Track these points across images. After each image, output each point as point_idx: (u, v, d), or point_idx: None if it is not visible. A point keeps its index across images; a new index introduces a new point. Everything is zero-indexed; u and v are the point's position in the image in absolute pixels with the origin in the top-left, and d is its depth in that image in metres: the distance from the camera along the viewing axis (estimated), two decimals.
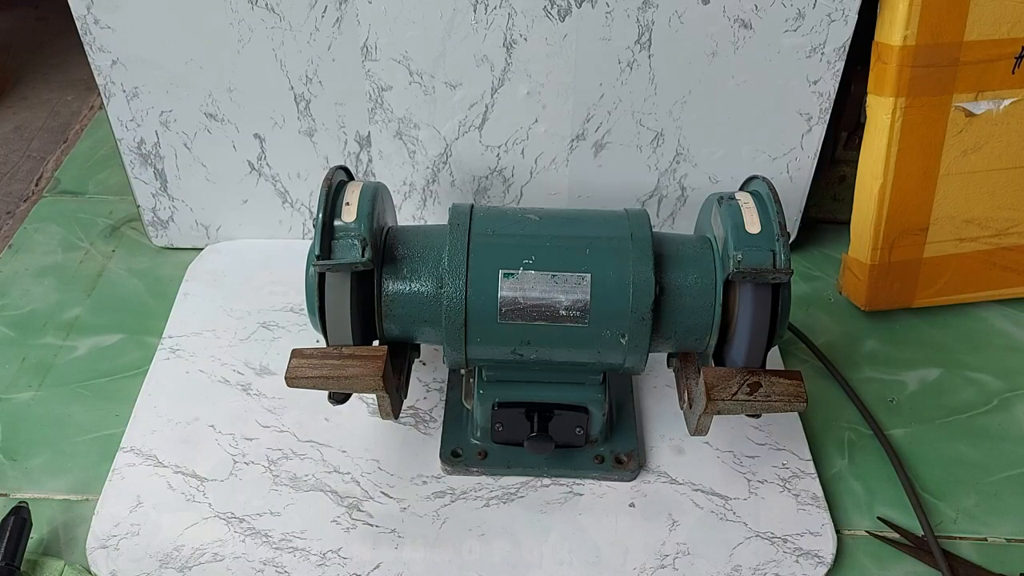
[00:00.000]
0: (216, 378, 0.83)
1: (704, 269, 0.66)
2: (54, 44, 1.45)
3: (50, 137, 1.23)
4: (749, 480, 0.75)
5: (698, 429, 0.67)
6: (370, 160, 0.92)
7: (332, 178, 0.66)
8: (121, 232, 1.02)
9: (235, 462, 0.75)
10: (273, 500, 0.72)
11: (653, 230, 0.67)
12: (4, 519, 0.66)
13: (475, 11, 0.80)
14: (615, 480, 0.75)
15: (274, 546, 0.69)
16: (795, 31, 0.80)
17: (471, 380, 0.74)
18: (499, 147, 0.90)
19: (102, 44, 0.83)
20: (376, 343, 0.69)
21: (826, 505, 0.73)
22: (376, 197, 0.66)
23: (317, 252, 0.62)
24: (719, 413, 0.65)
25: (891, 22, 0.78)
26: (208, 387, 0.82)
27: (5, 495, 0.74)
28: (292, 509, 0.72)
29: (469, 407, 0.75)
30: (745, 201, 0.67)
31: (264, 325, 0.88)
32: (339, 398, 0.68)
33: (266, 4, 0.80)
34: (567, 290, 0.64)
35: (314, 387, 0.64)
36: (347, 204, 0.65)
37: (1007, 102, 0.82)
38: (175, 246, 1.00)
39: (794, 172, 0.91)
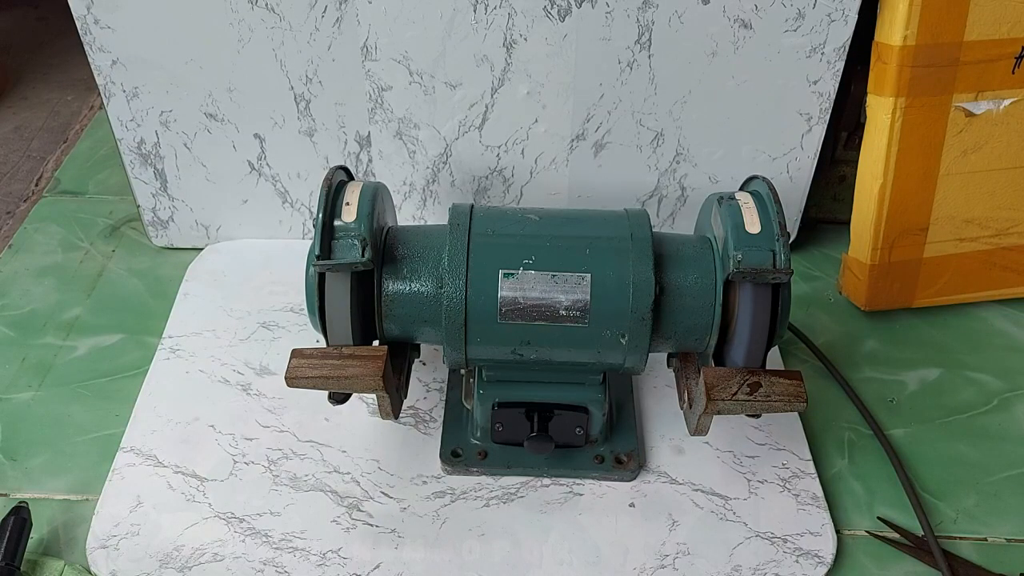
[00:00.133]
0: (216, 378, 0.83)
1: (704, 269, 0.66)
2: (54, 44, 1.45)
3: (50, 137, 1.23)
4: (749, 480, 0.75)
5: (698, 429, 0.67)
6: (370, 160, 0.92)
7: (332, 178, 0.66)
8: (121, 232, 1.02)
9: (235, 462, 0.75)
10: (273, 500, 0.72)
11: (653, 230, 0.67)
12: (4, 519, 0.66)
13: (475, 11, 0.80)
14: (615, 480, 0.75)
15: (274, 546, 0.69)
16: (795, 31, 0.80)
17: (471, 380, 0.74)
18: (499, 147, 0.90)
19: (102, 44, 0.83)
20: (376, 343, 0.69)
21: (826, 505, 0.73)
22: (376, 197, 0.66)
23: (317, 252, 0.62)
24: (719, 413, 0.65)
25: (891, 22, 0.78)
26: (208, 387, 0.82)
27: (5, 495, 0.74)
28: (292, 509, 0.72)
29: (469, 407, 0.75)
30: (745, 201, 0.67)
31: (264, 325, 0.88)
32: (339, 398, 0.68)
33: (266, 4, 0.80)
34: (567, 290, 0.64)
35: (314, 387, 0.64)
36: (347, 204, 0.65)
37: (1007, 102, 0.82)
38: (175, 246, 1.00)
39: (794, 172, 0.91)
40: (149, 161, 0.92)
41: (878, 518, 0.74)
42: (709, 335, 0.67)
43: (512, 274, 0.64)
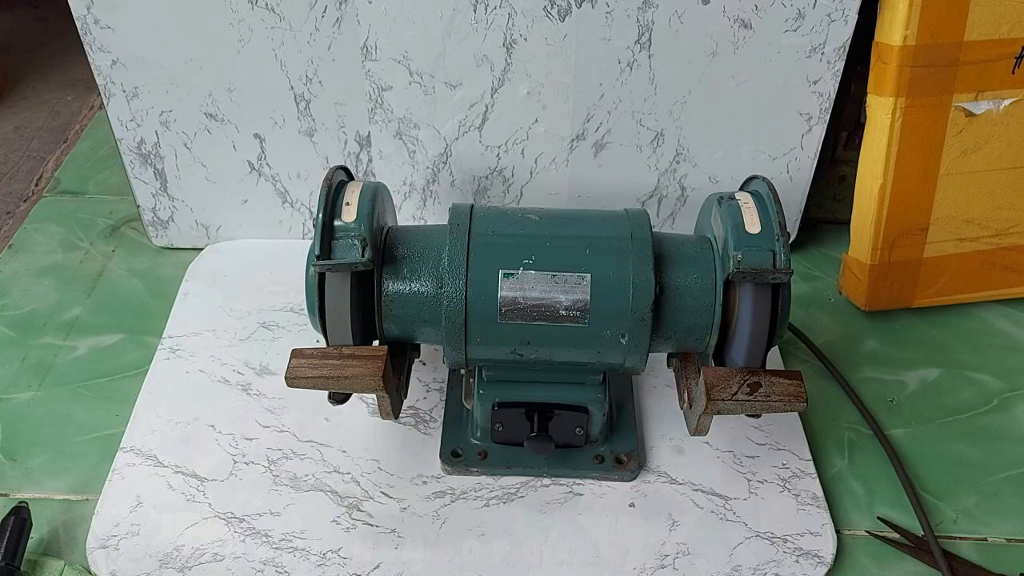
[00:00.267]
0: (216, 378, 0.83)
1: (704, 269, 0.66)
2: (54, 44, 1.45)
3: (50, 137, 1.23)
4: (749, 480, 0.75)
5: (698, 429, 0.67)
6: (370, 160, 0.92)
7: (332, 178, 0.66)
8: (121, 232, 1.02)
9: (235, 462, 0.75)
10: (273, 500, 0.72)
11: (653, 230, 0.67)
12: (4, 519, 0.66)
13: (475, 11, 0.80)
14: (615, 480, 0.75)
15: (274, 546, 0.69)
16: (795, 31, 0.80)
17: (471, 380, 0.74)
18: (499, 147, 0.90)
19: (102, 44, 0.83)
20: (376, 343, 0.69)
21: (826, 505, 0.73)
22: (376, 197, 0.66)
23: (317, 252, 0.62)
24: (719, 413, 0.65)
25: (891, 22, 0.78)
26: (208, 387, 0.82)
27: (5, 495, 0.74)
28: (292, 509, 0.72)
29: (469, 407, 0.75)
30: (745, 201, 0.67)
31: (264, 325, 0.88)
32: (339, 398, 0.68)
33: (266, 4, 0.80)
34: (567, 290, 0.64)
35: (314, 387, 0.64)
36: (347, 204, 0.65)
37: (1007, 102, 0.82)
38: (175, 246, 1.00)
39: (794, 172, 0.91)
40: (149, 161, 0.92)
41: (878, 518, 0.74)
42: (709, 335, 0.67)
43: (512, 274, 0.64)
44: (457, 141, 0.89)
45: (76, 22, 0.82)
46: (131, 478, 0.74)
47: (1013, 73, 0.81)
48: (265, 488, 0.73)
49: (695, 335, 0.67)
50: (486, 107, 0.87)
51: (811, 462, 0.77)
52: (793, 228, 0.98)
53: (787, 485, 0.75)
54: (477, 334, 0.65)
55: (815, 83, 0.84)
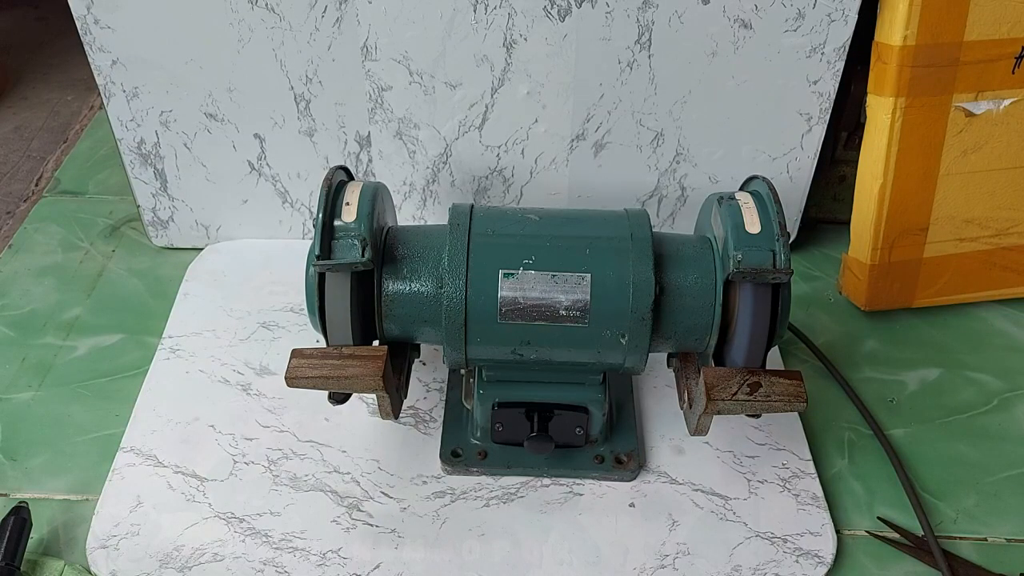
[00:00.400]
0: (216, 378, 0.83)
1: (704, 269, 0.66)
2: (54, 44, 1.45)
3: (50, 137, 1.23)
4: (749, 480, 0.75)
5: (698, 429, 0.67)
6: (370, 160, 0.92)
7: (332, 178, 0.66)
8: (121, 232, 1.02)
9: (235, 462, 0.75)
10: (273, 500, 0.72)
11: (653, 230, 0.67)
12: (4, 519, 0.66)
13: (475, 11, 0.80)
14: (615, 480, 0.75)
15: (274, 546, 0.69)
16: (795, 31, 0.80)
17: (471, 380, 0.74)
18: (499, 147, 0.90)
19: (102, 44, 0.83)
20: (376, 343, 0.69)
21: (826, 505, 0.73)
22: (376, 197, 0.66)
23: (317, 252, 0.62)
24: (719, 413, 0.65)
25: (891, 22, 0.78)
26: (208, 387, 0.82)
27: (5, 495, 0.74)
28: (292, 509, 0.72)
29: (469, 407, 0.75)
30: (745, 201, 0.67)
31: (264, 325, 0.88)
32: (339, 398, 0.68)
33: (266, 4, 0.80)
34: (567, 290, 0.64)
35: (314, 387, 0.64)
36: (347, 204, 0.65)
37: (1007, 102, 0.82)
38: (175, 246, 1.00)
39: (794, 172, 0.91)
40: (149, 161, 0.92)
41: (878, 518, 0.74)
42: (709, 335, 0.67)
43: (512, 274, 0.64)
44: (457, 141, 0.89)
45: (76, 22, 0.82)
46: (131, 478, 0.74)
47: (1013, 73, 0.81)
48: (265, 488, 0.73)
49: (695, 335, 0.67)
50: (486, 107, 0.87)
51: (811, 462, 0.77)
52: (793, 228, 0.98)
53: (787, 485, 0.75)
54: (477, 334, 0.65)
55: (815, 83, 0.84)
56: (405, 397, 0.72)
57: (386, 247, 0.67)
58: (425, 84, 0.85)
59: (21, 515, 0.67)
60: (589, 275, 0.64)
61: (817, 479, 0.75)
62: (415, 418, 0.80)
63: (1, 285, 0.95)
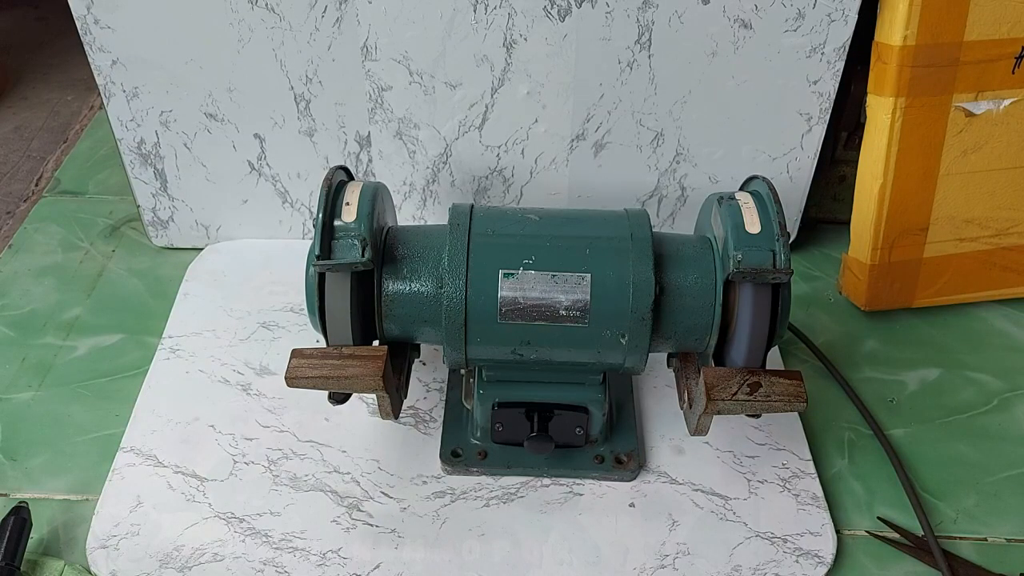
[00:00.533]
0: (216, 378, 0.83)
1: (704, 269, 0.66)
2: (54, 44, 1.45)
3: (50, 137, 1.23)
4: (749, 480, 0.75)
5: (698, 429, 0.67)
6: (370, 160, 0.92)
7: (332, 178, 0.66)
8: (121, 232, 1.02)
9: (235, 462, 0.75)
10: (273, 500, 0.72)
11: (653, 230, 0.67)
12: (4, 519, 0.66)
13: (475, 11, 0.80)
14: (615, 480, 0.75)
15: (274, 546, 0.69)
16: (795, 31, 0.80)
17: (471, 380, 0.74)
18: (499, 147, 0.90)
19: (102, 44, 0.83)
20: (376, 343, 0.69)
21: (826, 505, 0.73)
22: (376, 197, 0.66)
23: (317, 252, 0.62)
24: (719, 413, 0.65)
25: (891, 22, 0.78)
26: (208, 387, 0.82)
27: (5, 495, 0.74)
28: (292, 509, 0.72)
29: (469, 407, 0.75)
30: (745, 201, 0.67)
31: (264, 325, 0.88)
32: (339, 398, 0.68)
33: (266, 4, 0.80)
34: (567, 290, 0.64)
35: (314, 387, 0.64)
36: (347, 204, 0.65)
37: (1007, 102, 0.82)
38: (175, 246, 1.00)
39: (794, 172, 0.91)
40: (149, 161, 0.92)
41: (878, 518, 0.74)
42: (709, 335, 0.67)
43: (512, 274, 0.64)
44: (457, 141, 0.89)
45: (76, 22, 0.82)
46: (131, 478, 0.74)
47: (1013, 73, 0.81)
48: (265, 488, 0.73)
49: (695, 335, 0.67)
50: (486, 107, 0.87)
51: (811, 462, 0.77)
52: (793, 228, 0.98)
53: (787, 485, 0.75)
54: (477, 334, 0.65)
55: (815, 83, 0.84)
56: (405, 397, 0.72)
57: (386, 247, 0.67)
58: (425, 84, 0.85)
59: (21, 515, 0.67)
60: (589, 275, 0.64)
61: (817, 479, 0.75)
62: (415, 418, 0.80)
63: (1, 285, 0.95)
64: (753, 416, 0.68)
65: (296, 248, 0.91)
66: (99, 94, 0.87)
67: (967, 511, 0.75)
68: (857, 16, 0.79)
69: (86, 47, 0.83)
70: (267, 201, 0.96)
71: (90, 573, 0.68)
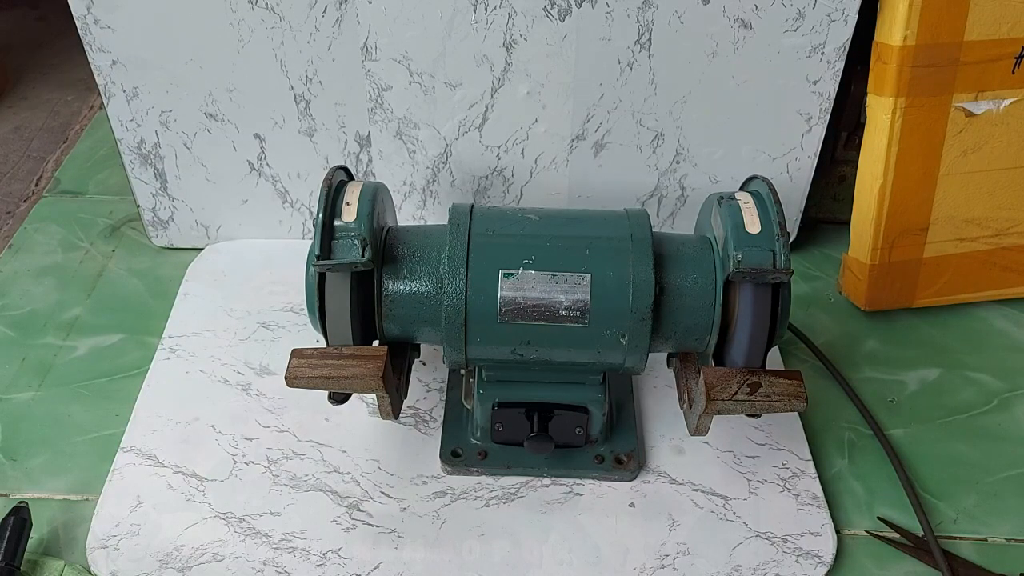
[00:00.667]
0: (216, 378, 0.83)
1: (704, 269, 0.66)
2: (54, 44, 1.45)
3: (50, 137, 1.23)
4: (749, 480, 0.75)
5: (698, 429, 0.67)
6: (370, 160, 0.92)
7: (332, 178, 0.66)
8: (121, 232, 1.02)
9: (235, 462, 0.75)
10: (273, 500, 0.72)
11: (653, 230, 0.67)
12: (4, 519, 0.66)
13: (475, 11, 0.80)
14: (615, 480, 0.75)
15: (274, 546, 0.69)
16: (795, 31, 0.80)
17: (471, 380, 0.74)
18: (499, 147, 0.90)
19: (102, 44, 0.83)
20: (376, 343, 0.69)
21: (826, 505, 0.73)
22: (376, 197, 0.66)
23: (317, 252, 0.62)
24: (719, 413, 0.65)
25: (891, 22, 0.78)
26: (208, 387, 0.82)
27: (5, 495, 0.74)
28: (292, 509, 0.72)
29: (469, 407, 0.75)
30: (745, 201, 0.67)
31: (264, 325, 0.88)
32: (339, 398, 0.68)
33: (266, 4, 0.80)
34: (567, 290, 0.64)
35: (314, 387, 0.64)
36: (347, 204, 0.65)
37: (1007, 102, 0.82)
38: (175, 246, 1.00)
39: (794, 172, 0.91)
40: (149, 161, 0.92)
41: (878, 518, 0.74)
42: (709, 335, 0.67)
43: (512, 274, 0.64)
44: (457, 141, 0.89)
45: (76, 22, 0.82)
46: (131, 478, 0.74)
47: (1013, 73, 0.81)
48: (265, 488, 0.73)
49: (695, 335, 0.67)
50: (486, 107, 0.87)
51: (811, 462, 0.77)
52: (793, 228, 0.98)
53: (787, 485, 0.75)
54: (477, 334, 0.65)
55: (815, 83, 0.84)
56: (405, 397, 0.72)
57: (386, 247, 0.67)
58: (425, 84, 0.85)
59: (21, 515, 0.67)
60: (589, 275, 0.64)
61: (817, 479, 0.75)
62: (415, 418, 0.80)
63: (1, 285, 0.95)
64: (753, 416, 0.68)
65: (296, 248, 0.91)
66: (99, 94, 0.87)
67: (967, 511, 0.75)
68: (857, 16, 0.79)
69: (86, 47, 0.83)
70: (267, 201, 0.96)
71: (90, 573, 0.68)
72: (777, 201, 0.65)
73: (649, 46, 0.82)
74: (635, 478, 0.75)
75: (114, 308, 0.92)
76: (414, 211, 0.96)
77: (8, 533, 0.65)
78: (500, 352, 0.67)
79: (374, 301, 0.66)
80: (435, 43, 0.82)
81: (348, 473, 0.75)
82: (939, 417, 0.83)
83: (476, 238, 0.66)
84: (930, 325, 0.92)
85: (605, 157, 0.90)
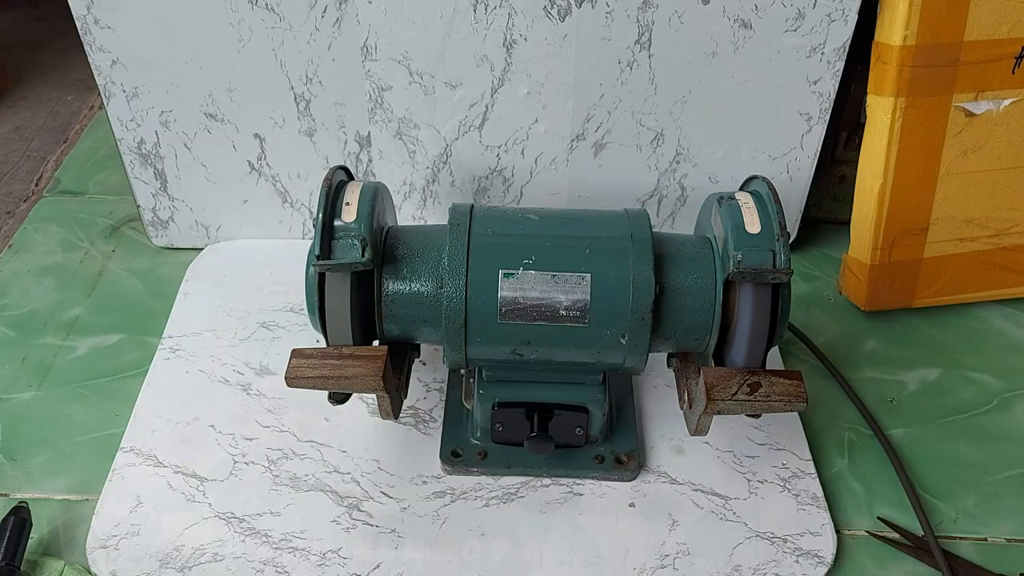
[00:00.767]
0: (216, 378, 0.83)
1: (704, 269, 0.66)
2: (54, 44, 1.45)
3: (50, 137, 1.23)
4: (749, 480, 0.75)
5: (698, 429, 0.67)
6: (370, 160, 0.92)
7: (332, 178, 0.66)
8: (121, 232, 1.02)
9: (235, 462, 0.75)
10: (273, 500, 0.72)
11: (653, 230, 0.67)
12: (4, 519, 0.66)
13: (475, 11, 0.80)
14: (615, 480, 0.75)
15: (274, 546, 0.69)
16: (795, 31, 0.80)
17: (471, 380, 0.74)
18: (499, 147, 0.90)
19: (102, 44, 0.83)
20: (376, 343, 0.69)
21: (826, 505, 0.73)
22: (376, 197, 0.66)
23: (317, 252, 0.62)
24: (719, 413, 0.65)
25: (891, 22, 0.78)
26: (208, 387, 0.82)
27: (5, 495, 0.74)
28: (292, 509, 0.72)
29: (469, 407, 0.75)
30: (745, 201, 0.67)
31: (264, 325, 0.88)
32: (339, 398, 0.68)
33: (266, 4, 0.80)
34: (567, 290, 0.64)
35: (314, 387, 0.64)
36: (347, 204, 0.65)
37: (1007, 102, 0.82)
38: (175, 246, 1.00)
39: (794, 172, 0.91)
40: (149, 161, 0.92)
41: (878, 518, 0.74)
42: (709, 335, 0.67)
43: (512, 274, 0.64)
44: (457, 141, 0.89)
45: (76, 22, 0.82)
46: (131, 478, 0.74)
47: (1013, 73, 0.81)
48: (265, 488, 0.73)
49: (695, 335, 0.67)
50: (486, 107, 0.87)
51: (811, 462, 0.77)
52: (793, 228, 0.98)
53: (787, 485, 0.75)
54: (477, 334, 0.65)
55: (815, 83, 0.84)
56: (405, 397, 0.72)
57: (386, 247, 0.67)
58: (425, 84, 0.85)
59: (21, 515, 0.67)
60: (589, 275, 0.64)
61: (817, 479, 0.75)
62: (415, 418, 0.80)
63: (1, 285, 0.95)
64: (753, 416, 0.68)
65: (296, 248, 0.91)
66: (99, 94, 0.87)
67: (967, 511, 0.75)
68: (857, 16, 0.79)
69: (86, 47, 0.83)
70: (267, 201, 0.96)
71: (90, 573, 0.68)
72: (777, 201, 0.65)
73: (649, 46, 0.82)
74: (635, 478, 0.75)
75: (114, 308, 0.92)
76: (414, 211, 0.96)
77: (8, 533, 0.65)
78: (500, 352, 0.67)
79: (374, 301, 0.66)
80: (435, 43, 0.82)
81: (348, 473, 0.75)
82: (939, 417, 0.83)
83: (476, 238, 0.66)
84: (930, 325, 0.92)
85: (605, 157, 0.90)
